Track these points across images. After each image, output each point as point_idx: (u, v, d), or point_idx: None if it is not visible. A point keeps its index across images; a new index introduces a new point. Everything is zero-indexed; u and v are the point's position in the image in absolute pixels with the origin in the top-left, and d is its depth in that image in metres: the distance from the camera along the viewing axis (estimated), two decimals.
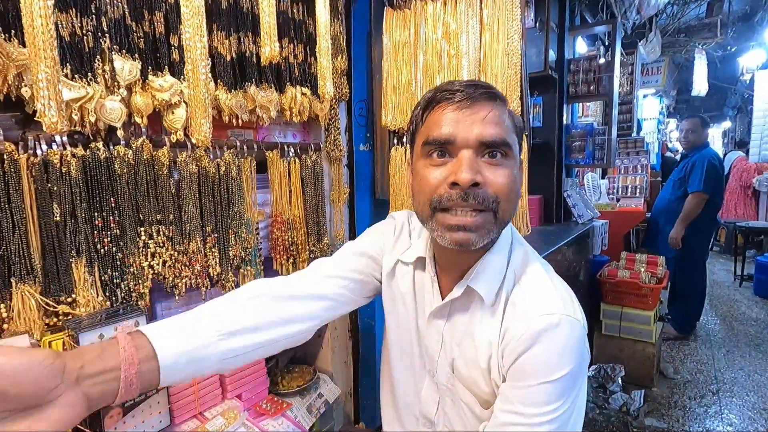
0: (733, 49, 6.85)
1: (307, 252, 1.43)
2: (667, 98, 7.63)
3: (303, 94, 1.34)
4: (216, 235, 1.15)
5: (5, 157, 0.79)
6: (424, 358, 0.86)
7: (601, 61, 3.50)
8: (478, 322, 0.77)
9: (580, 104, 4.86)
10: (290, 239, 1.36)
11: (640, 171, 4.79)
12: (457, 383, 0.81)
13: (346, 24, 1.52)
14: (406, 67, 1.47)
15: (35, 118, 0.72)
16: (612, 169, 4.93)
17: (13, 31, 0.81)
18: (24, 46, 0.80)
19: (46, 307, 0.85)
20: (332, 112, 1.48)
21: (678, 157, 4.19)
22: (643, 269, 3.23)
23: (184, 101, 1.05)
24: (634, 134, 5.11)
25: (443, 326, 0.82)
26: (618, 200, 4.67)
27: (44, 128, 0.71)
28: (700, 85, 6.19)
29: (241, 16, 1.20)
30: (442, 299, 0.81)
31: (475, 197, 0.67)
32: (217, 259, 1.15)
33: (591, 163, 3.63)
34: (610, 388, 3.06)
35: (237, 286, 1.22)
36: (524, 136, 0.81)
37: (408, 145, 0.83)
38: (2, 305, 0.80)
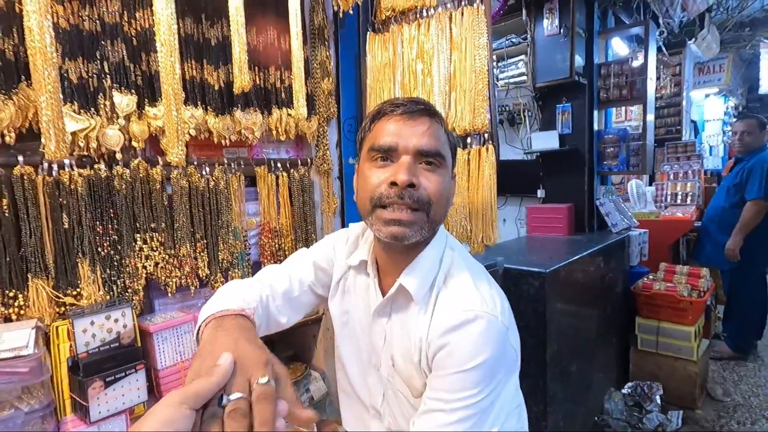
0: None
1: None
2: (733, 97, 6.98)
3: (289, 114, 1.49)
4: (205, 241, 1.32)
5: (25, 178, 1.00)
6: (371, 354, 0.94)
7: (634, 64, 3.36)
8: (413, 319, 0.85)
9: (623, 108, 4.64)
10: (277, 245, 1.50)
11: (691, 177, 4.44)
12: (396, 376, 0.89)
13: (335, 49, 1.66)
14: (387, 85, 1.58)
15: (40, 149, 0.92)
16: (660, 174, 4.63)
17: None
18: None
19: (56, 298, 1.05)
20: (321, 129, 1.61)
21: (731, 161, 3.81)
22: (683, 282, 3.02)
23: None
24: (685, 137, 4.76)
25: (386, 323, 0.90)
26: (666, 208, 4.37)
27: (46, 156, 0.91)
28: (767, 83, 5.64)
29: (229, 51, 1.37)
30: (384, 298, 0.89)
31: (410, 197, 0.78)
32: (206, 262, 1.32)
33: (626, 169, 3.47)
34: (646, 407, 2.89)
35: None
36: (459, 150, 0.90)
37: (358, 149, 0.93)
38: (20, 295, 1.00)
